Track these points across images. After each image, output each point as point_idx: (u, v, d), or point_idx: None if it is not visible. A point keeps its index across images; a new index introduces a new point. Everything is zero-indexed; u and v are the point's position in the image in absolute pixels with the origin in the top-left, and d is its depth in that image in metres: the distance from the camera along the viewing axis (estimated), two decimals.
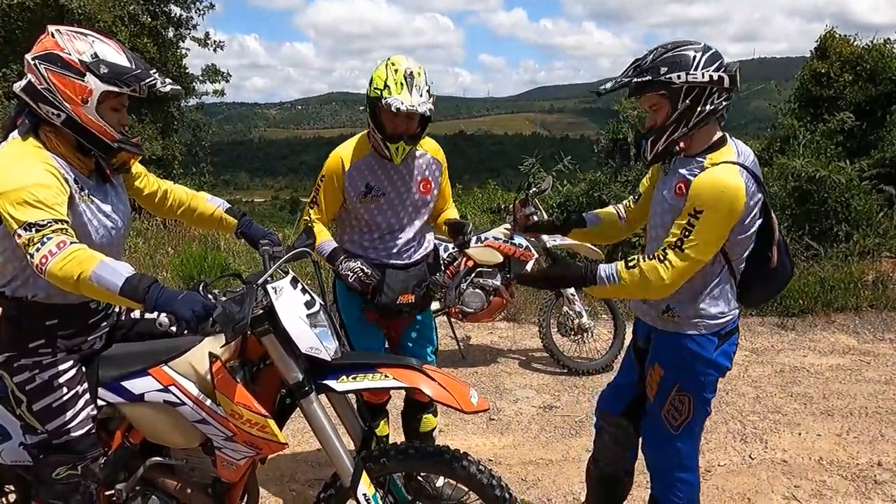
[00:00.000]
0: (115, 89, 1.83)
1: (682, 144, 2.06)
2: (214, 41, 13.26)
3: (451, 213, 3.00)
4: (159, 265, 7.00)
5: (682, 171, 2.07)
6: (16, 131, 1.86)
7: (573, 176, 8.17)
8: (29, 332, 1.90)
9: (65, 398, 1.90)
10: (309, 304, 1.91)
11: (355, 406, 2.13)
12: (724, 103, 2.02)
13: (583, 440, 3.64)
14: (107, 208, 1.93)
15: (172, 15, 12.98)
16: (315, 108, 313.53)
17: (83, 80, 1.80)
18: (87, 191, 1.88)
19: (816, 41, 12.11)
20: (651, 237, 2.26)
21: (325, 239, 2.76)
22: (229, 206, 2.34)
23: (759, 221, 2.07)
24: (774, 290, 2.33)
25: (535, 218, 4.61)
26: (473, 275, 4.58)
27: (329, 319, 1.96)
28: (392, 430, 3.25)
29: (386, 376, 1.90)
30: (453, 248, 4.55)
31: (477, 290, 4.56)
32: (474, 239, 4.60)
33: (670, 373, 2.18)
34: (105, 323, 2.05)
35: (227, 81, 14.36)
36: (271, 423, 1.86)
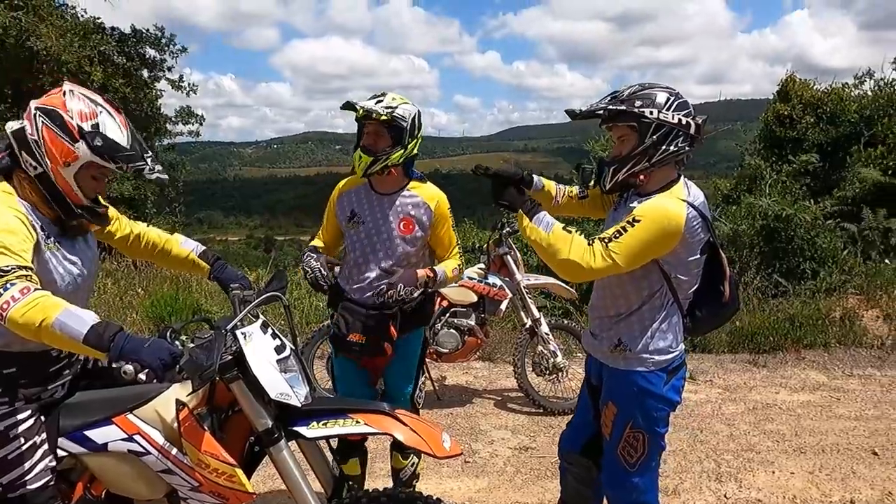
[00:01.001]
0: (101, 163, 1.84)
1: (641, 178, 2.14)
2: (188, 84, 13.30)
3: (449, 264, 2.90)
4: (129, 306, 6.86)
5: (634, 205, 2.13)
6: None
7: None
8: None
9: (22, 449, 1.84)
10: (279, 349, 1.89)
11: (328, 450, 2.10)
12: (686, 148, 2.12)
13: (558, 482, 3.59)
14: (73, 256, 1.92)
15: (147, 57, 13.03)
16: (291, 148, 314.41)
17: (73, 146, 1.81)
18: (52, 238, 1.86)
19: (778, 84, 12.55)
20: None
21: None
22: (203, 248, 2.34)
23: (701, 259, 2.15)
24: (721, 322, 2.44)
25: (510, 258, 4.66)
26: (448, 315, 4.57)
27: (300, 364, 1.94)
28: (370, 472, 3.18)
29: (357, 422, 1.88)
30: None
31: (451, 331, 4.54)
32: None
33: (623, 410, 2.22)
34: (67, 371, 2.00)
35: (201, 124, 14.36)
36: (239, 472, 1.82)
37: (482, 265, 4.75)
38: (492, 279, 4.61)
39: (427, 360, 4.63)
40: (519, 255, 4.77)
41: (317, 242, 2.97)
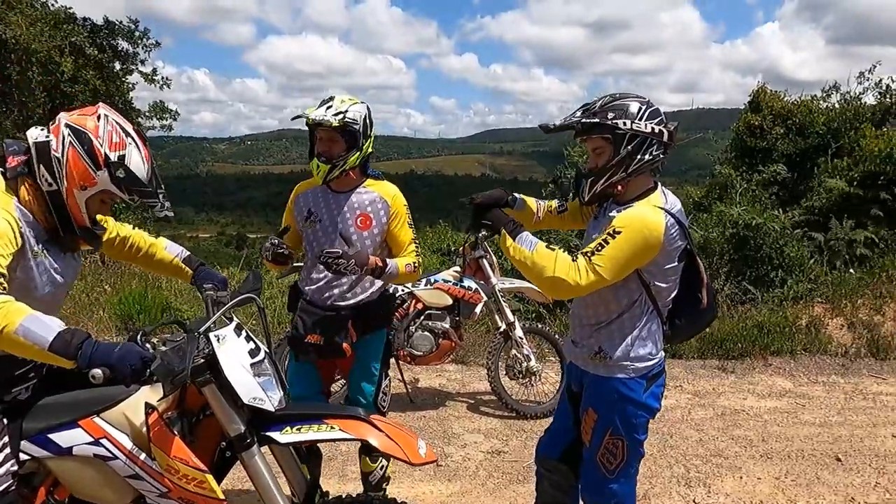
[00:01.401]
0: (118, 193, 1.84)
1: (619, 188, 2.17)
2: (162, 78, 13.07)
3: (402, 260, 2.87)
4: (96, 303, 6.71)
5: (613, 214, 2.15)
6: None
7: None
8: None
9: None
10: (253, 353, 1.86)
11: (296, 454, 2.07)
12: (661, 156, 2.15)
13: (530, 487, 3.57)
14: (58, 265, 1.89)
15: (119, 49, 12.77)
16: (265, 145, 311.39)
17: (96, 173, 1.80)
18: (41, 245, 1.83)
19: (750, 95, 12.77)
20: None
21: None
22: (188, 254, 2.32)
23: (679, 266, 2.17)
24: (700, 328, 2.46)
25: (486, 261, 4.66)
26: (422, 317, 4.56)
27: (274, 367, 1.91)
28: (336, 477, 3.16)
29: (332, 427, 1.85)
30: (403, 291, 4.54)
31: (426, 333, 4.52)
32: (423, 281, 4.60)
33: (603, 417, 2.23)
34: (33, 374, 1.94)
35: (175, 119, 14.12)
36: (209, 478, 1.78)
37: (457, 268, 4.74)
38: (467, 282, 4.61)
39: (400, 362, 4.63)
40: (494, 258, 4.77)
41: (285, 242, 2.91)
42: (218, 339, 1.80)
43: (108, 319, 6.57)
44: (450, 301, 4.57)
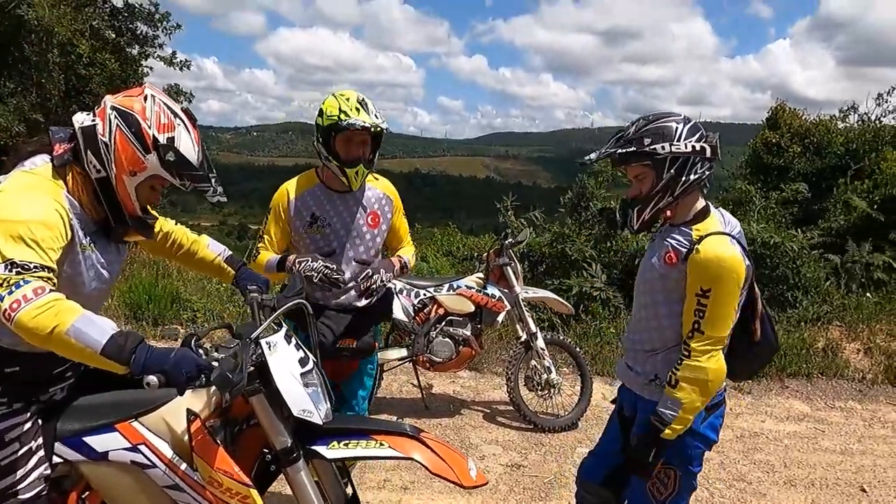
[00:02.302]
0: (168, 178, 1.72)
1: (668, 213, 2.09)
2: (181, 61, 13.00)
3: (407, 251, 2.99)
4: None
5: (670, 240, 2.07)
6: (46, 157, 1.71)
7: (539, 227, 8.17)
8: None
9: (17, 455, 1.69)
10: (303, 362, 1.77)
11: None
12: (706, 172, 2.05)
13: None
14: (105, 259, 1.78)
15: (138, 32, 12.69)
16: (271, 136, 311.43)
17: (145, 156, 1.69)
18: (89, 238, 1.73)
19: (768, 112, 12.71)
20: (638, 304, 2.25)
21: (268, 258, 2.72)
22: (230, 253, 2.21)
23: (743, 295, 2.06)
24: (759, 363, 2.35)
25: (510, 269, 4.57)
26: (443, 323, 4.47)
27: (321, 378, 1.82)
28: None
29: (381, 444, 1.77)
30: (424, 295, 4.46)
31: (446, 339, 4.44)
32: (446, 287, 4.52)
33: None
34: (70, 373, 1.85)
35: (190, 102, 14.00)
36: (254, 493, 1.70)
37: (480, 274, 4.65)
38: (490, 290, 4.52)
39: (418, 367, 4.54)
40: (519, 266, 4.68)
41: (267, 254, 2.74)
42: (269, 347, 1.71)
43: (116, 308, 6.48)
44: (472, 308, 4.48)
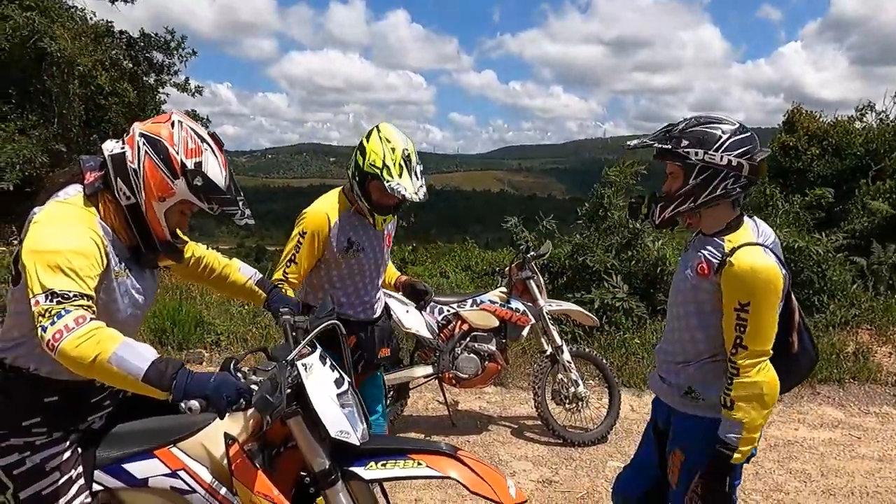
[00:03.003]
0: (197, 203, 1.74)
1: (688, 221, 2.07)
2: (194, 86, 13.25)
3: (390, 266, 3.24)
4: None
5: (703, 251, 2.04)
6: (78, 186, 1.74)
7: (552, 236, 8.14)
8: (23, 409, 1.71)
9: (58, 485, 1.70)
10: (338, 383, 1.77)
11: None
12: (738, 189, 1.99)
13: None
14: (139, 285, 1.80)
15: (154, 61, 12.94)
16: (286, 158, 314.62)
17: (173, 182, 1.71)
18: (124, 264, 1.75)
19: (784, 115, 12.61)
20: (671, 315, 2.22)
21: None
22: (261, 276, 2.22)
23: (781, 305, 2.02)
24: (798, 376, 2.27)
25: (533, 282, 4.55)
26: (468, 339, 4.45)
27: (356, 398, 1.82)
28: None
29: (419, 463, 1.75)
30: (448, 312, 4.44)
31: (471, 355, 4.41)
32: (469, 302, 4.50)
33: (692, 458, 2.08)
34: (109, 402, 1.86)
35: (206, 127, 14.17)
36: None
37: (503, 289, 4.63)
38: (514, 304, 4.50)
39: (444, 384, 4.52)
40: (542, 279, 4.66)
41: (291, 278, 2.73)
42: (305, 368, 1.71)
43: (141, 333, 6.53)
44: (496, 323, 4.46)
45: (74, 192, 1.74)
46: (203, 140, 1.77)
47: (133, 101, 11.97)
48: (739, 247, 1.95)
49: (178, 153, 1.71)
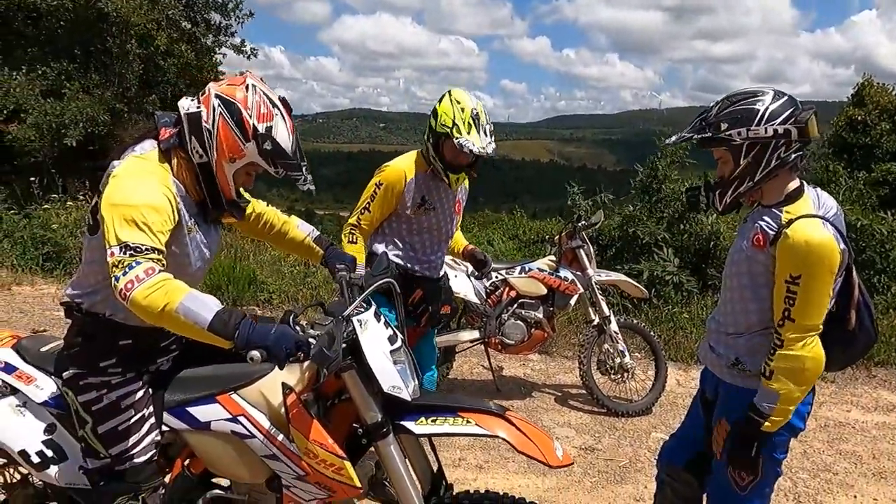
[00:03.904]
0: (265, 166, 1.80)
1: (752, 199, 2.02)
2: (250, 48, 13.43)
3: (460, 233, 3.46)
4: None
5: (760, 222, 1.98)
6: (153, 141, 1.81)
7: (607, 208, 8.03)
8: (100, 350, 1.82)
9: (131, 421, 1.81)
10: (392, 339, 1.81)
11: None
12: (793, 155, 1.92)
13: (628, 488, 3.50)
14: (206, 239, 1.88)
15: (212, 22, 13.11)
16: (336, 123, 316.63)
17: (244, 144, 1.76)
18: (193, 219, 1.82)
19: (854, 88, 12.03)
20: (725, 286, 2.18)
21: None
22: (318, 233, 2.28)
23: (838, 281, 1.96)
24: (854, 354, 2.19)
25: (583, 251, 4.51)
26: (515, 305, 4.46)
27: (408, 356, 1.86)
28: None
29: (468, 421, 1.79)
30: (496, 278, 4.46)
31: (518, 322, 4.43)
32: (518, 269, 4.50)
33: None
34: (175, 346, 1.96)
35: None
36: (348, 465, 1.75)
37: (552, 257, 4.61)
38: (563, 272, 4.47)
39: (490, 349, 4.57)
40: (592, 248, 4.62)
41: (364, 224, 3.01)
42: (360, 324, 1.75)
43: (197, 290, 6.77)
44: (544, 290, 4.45)
45: (150, 147, 1.81)
46: (274, 105, 1.81)
47: (190, 61, 12.19)
48: (797, 218, 1.90)
49: (251, 117, 1.76)
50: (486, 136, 2.84)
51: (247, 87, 1.79)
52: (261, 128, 1.76)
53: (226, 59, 14.20)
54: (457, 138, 2.78)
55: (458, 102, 2.84)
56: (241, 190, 1.95)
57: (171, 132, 1.80)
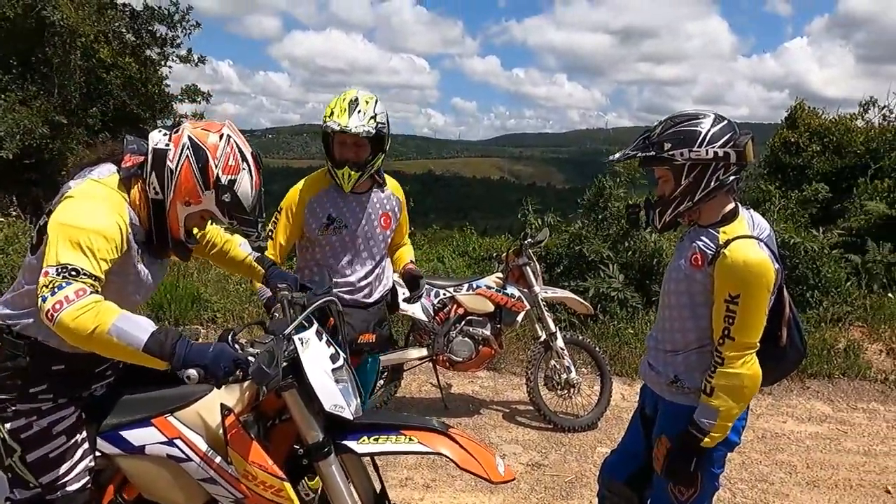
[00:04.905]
0: (219, 216, 1.79)
1: (689, 219, 2.09)
2: (198, 57, 13.20)
3: (408, 250, 3.17)
4: None
5: (698, 242, 2.06)
6: (113, 167, 1.79)
7: (553, 228, 8.17)
8: (32, 376, 1.75)
9: (63, 448, 1.74)
10: (334, 358, 1.80)
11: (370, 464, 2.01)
12: (731, 177, 2.01)
13: (574, 503, 3.53)
14: (150, 270, 1.85)
15: (157, 34, 12.86)
16: (286, 139, 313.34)
17: (203, 192, 1.75)
18: (141, 250, 1.79)
19: (787, 111, 12.60)
20: (663, 304, 2.24)
21: (259, 287, 2.70)
22: (259, 254, 2.25)
23: (772, 298, 2.05)
24: (785, 370, 2.29)
25: (529, 269, 4.58)
26: (463, 323, 4.49)
27: (351, 374, 1.85)
28: None
29: (410, 439, 1.79)
30: (444, 295, 4.47)
31: (466, 339, 4.45)
32: (466, 286, 4.53)
33: None
34: (111, 372, 1.90)
35: (207, 102, 14.14)
36: (287, 486, 1.73)
37: (500, 274, 4.66)
38: (510, 289, 4.53)
39: (438, 367, 4.57)
40: (538, 266, 4.69)
41: (270, 254, 2.76)
42: (302, 343, 1.74)
43: (139, 309, 6.56)
44: (492, 308, 4.50)
45: (108, 172, 1.77)
46: (245, 159, 1.80)
47: (135, 74, 11.91)
48: (733, 239, 1.97)
49: (216, 166, 1.74)
50: (361, 117, 2.60)
51: (220, 136, 1.78)
52: (223, 179, 1.74)
53: (172, 73, 13.97)
54: (327, 123, 2.61)
55: (345, 94, 2.68)
56: (195, 230, 1.91)
57: (136, 161, 1.77)
